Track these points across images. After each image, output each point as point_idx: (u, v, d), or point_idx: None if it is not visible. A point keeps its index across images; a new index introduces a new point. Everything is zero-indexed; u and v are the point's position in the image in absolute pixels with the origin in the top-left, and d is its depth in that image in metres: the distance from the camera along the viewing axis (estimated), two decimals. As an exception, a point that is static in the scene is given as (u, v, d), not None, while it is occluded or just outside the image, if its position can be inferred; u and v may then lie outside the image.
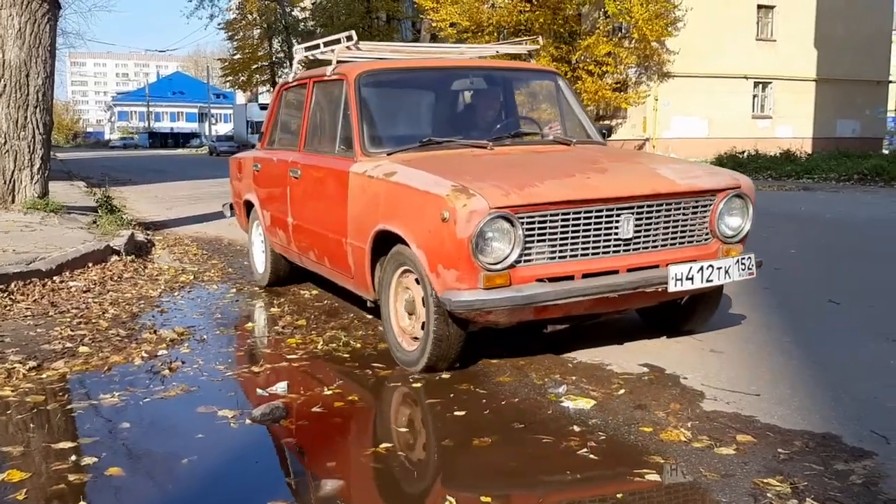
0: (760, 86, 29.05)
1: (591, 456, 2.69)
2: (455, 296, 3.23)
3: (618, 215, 3.43)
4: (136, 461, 2.73)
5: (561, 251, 3.36)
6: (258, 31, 46.28)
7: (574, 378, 3.52)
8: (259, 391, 3.41)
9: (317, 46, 4.96)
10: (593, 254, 3.42)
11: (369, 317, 4.73)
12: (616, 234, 3.44)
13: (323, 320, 4.73)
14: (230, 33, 46.80)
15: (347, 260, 4.11)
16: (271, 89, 47.37)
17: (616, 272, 3.44)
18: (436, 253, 3.30)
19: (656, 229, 3.56)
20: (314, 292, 5.54)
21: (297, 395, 3.37)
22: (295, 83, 5.27)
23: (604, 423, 3.00)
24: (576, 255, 3.39)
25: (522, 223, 3.23)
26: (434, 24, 28.02)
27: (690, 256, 3.61)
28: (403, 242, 3.53)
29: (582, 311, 3.53)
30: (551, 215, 3.30)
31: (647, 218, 3.51)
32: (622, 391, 3.34)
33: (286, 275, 5.64)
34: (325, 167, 4.41)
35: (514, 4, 25.84)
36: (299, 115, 5.05)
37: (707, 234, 3.72)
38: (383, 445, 2.82)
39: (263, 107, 41.70)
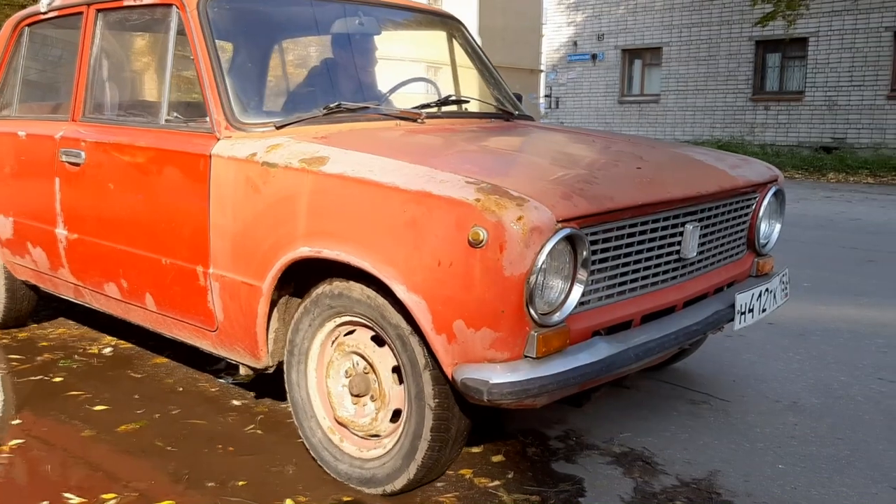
0: (433, 70, 30.94)
1: (258, 431, 2.71)
2: (494, 374, 1.91)
3: (682, 225, 2.41)
4: None
5: (620, 284, 2.25)
6: None
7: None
8: None
9: None
10: (652, 285, 2.35)
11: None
12: (678, 251, 2.41)
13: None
14: None
15: (207, 302, 2.58)
16: None
17: (673, 309, 2.44)
18: (452, 301, 1.95)
19: (712, 242, 2.61)
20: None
21: None
22: (53, 14, 3.40)
23: (267, 393, 3.03)
24: (634, 289, 2.29)
25: (588, 244, 2.06)
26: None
27: (730, 277, 2.74)
28: (352, 276, 2.20)
29: (634, 370, 2.41)
30: (617, 229, 2.17)
31: (707, 227, 2.54)
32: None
33: (30, 311, 3.93)
34: (151, 147, 2.75)
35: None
36: (67, 65, 3.38)
37: (743, 244, 2.84)
38: (12, 443, 2.58)
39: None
